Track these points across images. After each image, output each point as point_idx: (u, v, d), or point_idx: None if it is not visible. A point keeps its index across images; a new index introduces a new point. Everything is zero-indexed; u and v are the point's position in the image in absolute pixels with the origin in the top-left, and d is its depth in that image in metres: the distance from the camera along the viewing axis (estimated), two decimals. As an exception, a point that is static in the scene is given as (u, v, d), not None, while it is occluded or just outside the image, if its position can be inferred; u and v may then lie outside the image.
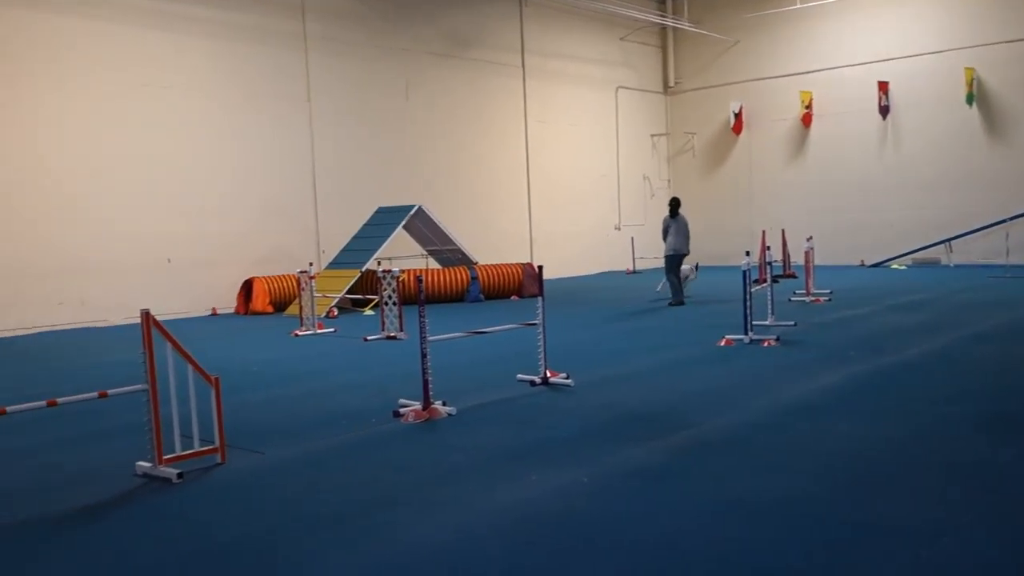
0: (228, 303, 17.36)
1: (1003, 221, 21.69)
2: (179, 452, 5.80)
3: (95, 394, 5.68)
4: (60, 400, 5.56)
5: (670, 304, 15.49)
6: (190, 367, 5.79)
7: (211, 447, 5.96)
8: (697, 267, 17.32)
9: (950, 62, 22.93)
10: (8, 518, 5.03)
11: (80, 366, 11.04)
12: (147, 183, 16.31)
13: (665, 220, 15.72)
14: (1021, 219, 21.86)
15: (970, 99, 22.61)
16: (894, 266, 23.77)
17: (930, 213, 23.55)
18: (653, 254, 24.51)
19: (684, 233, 15.49)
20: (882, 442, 5.99)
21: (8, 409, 5.30)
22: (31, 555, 4.46)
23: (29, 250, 14.85)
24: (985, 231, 22.64)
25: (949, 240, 23.10)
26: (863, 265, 24.39)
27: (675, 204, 15.75)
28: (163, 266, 16.55)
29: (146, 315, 5.58)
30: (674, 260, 15.55)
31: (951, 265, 22.88)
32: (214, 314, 17.09)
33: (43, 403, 5.48)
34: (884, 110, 24.11)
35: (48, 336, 14.40)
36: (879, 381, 8.16)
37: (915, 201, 23.89)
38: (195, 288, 16.97)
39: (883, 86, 23.99)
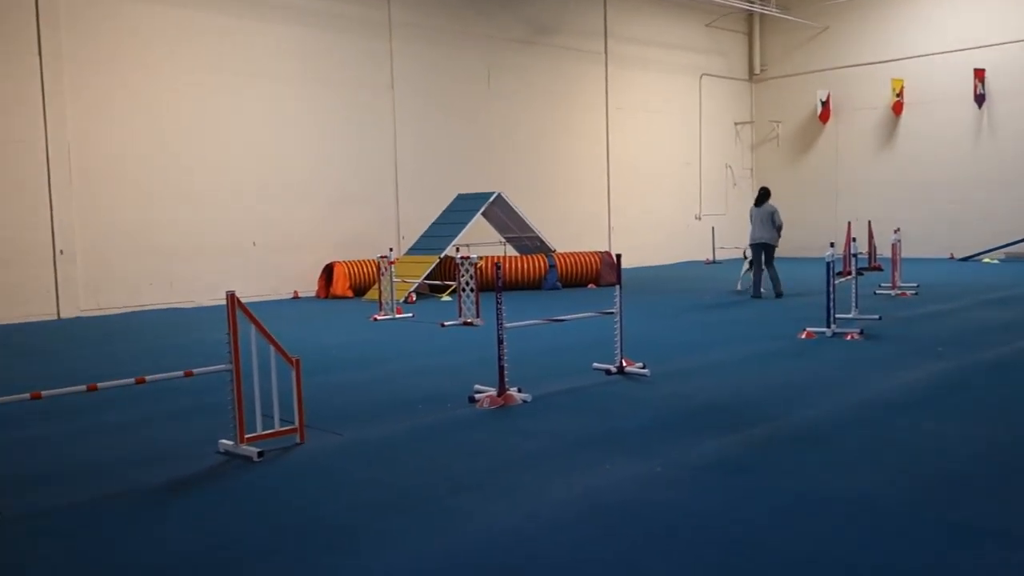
0: (309, 286, 17.71)
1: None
2: (260, 431, 5.93)
3: (181, 373, 5.85)
4: (149, 378, 5.74)
5: (752, 296, 15.22)
6: (272, 348, 5.91)
7: (291, 427, 6.08)
8: (745, 255, 16.06)
9: (1052, 48, 21.97)
10: (101, 490, 5.22)
11: (167, 345, 11.39)
12: (234, 168, 16.73)
13: (750, 209, 15.49)
14: (1126, 213, 20.88)
15: (1073, 87, 21.64)
16: (986, 260, 22.89)
17: (1027, 206, 22.65)
18: (734, 244, 24.15)
19: (764, 222, 15.08)
20: (969, 442, 5.80)
21: (99, 385, 5.49)
22: (121, 526, 4.63)
23: (121, 232, 15.38)
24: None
25: (1047, 234, 22.18)
26: (952, 259, 23.59)
27: (760, 193, 15.50)
28: (248, 249, 16.96)
29: (231, 297, 5.72)
30: (755, 250, 15.27)
31: (1048, 260, 21.96)
32: (296, 297, 17.45)
33: (132, 380, 5.67)
34: (980, 99, 23.23)
35: (138, 316, 14.90)
36: (968, 379, 7.90)
37: (1010, 193, 22.97)
38: (278, 271, 17.36)
39: (979, 73, 23.09)
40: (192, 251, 16.19)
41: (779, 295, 15.09)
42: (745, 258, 16.00)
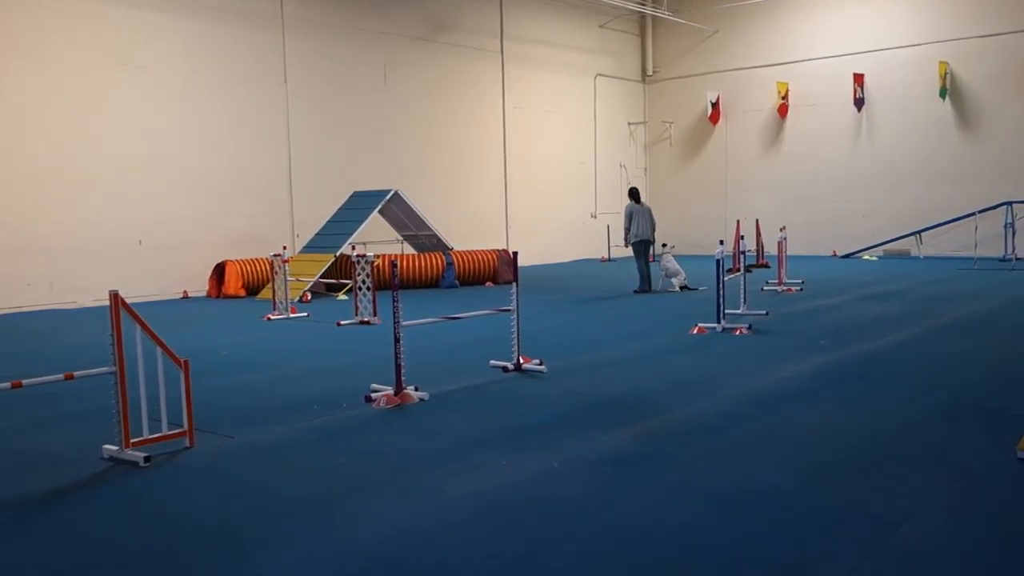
0: (200, 286, 17.20)
1: (972, 214, 21.89)
2: (147, 435, 5.74)
3: (61, 376, 5.60)
4: (26, 382, 5.49)
5: (635, 292, 15.78)
6: (159, 350, 5.73)
7: (179, 431, 5.91)
8: (665, 246, 16.31)
9: (925, 56, 23.10)
10: (-29, 501, 4.96)
11: (47, 348, 10.91)
12: (119, 163, 16.10)
13: (629, 207, 15.88)
14: (990, 212, 22.05)
15: (943, 93, 22.78)
16: (865, 257, 23.97)
17: (901, 205, 23.78)
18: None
19: (647, 219, 15.89)
20: (846, 431, 6.05)
21: (-28, 390, 5.22)
22: (-6, 538, 4.41)
23: (-3, 230, 14.64)
24: (955, 223, 22.88)
25: (919, 232, 23.32)
26: (835, 256, 24.58)
27: (636, 192, 16.23)
28: (134, 248, 16.36)
29: (115, 296, 5.51)
30: (641, 247, 15.90)
31: (921, 257, 23.10)
32: (185, 297, 16.94)
33: (8, 385, 5.41)
34: (859, 102, 24.26)
35: (15, 317, 14.21)
36: (849, 370, 8.23)
37: (887, 193, 24.09)
38: (167, 271, 16.79)
39: (859, 78, 24.12)
40: (74, 250, 15.52)
41: (650, 291, 15.78)
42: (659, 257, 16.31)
